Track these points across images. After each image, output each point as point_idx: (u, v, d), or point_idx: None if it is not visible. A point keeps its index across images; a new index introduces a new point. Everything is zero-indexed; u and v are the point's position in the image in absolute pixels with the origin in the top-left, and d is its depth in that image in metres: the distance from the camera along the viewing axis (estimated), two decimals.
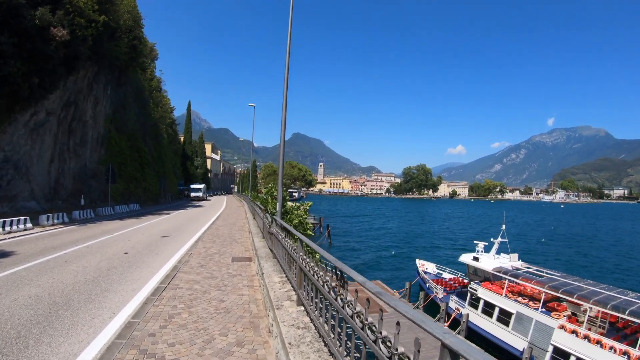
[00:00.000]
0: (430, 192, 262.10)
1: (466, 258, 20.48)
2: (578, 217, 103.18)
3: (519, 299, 15.80)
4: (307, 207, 16.97)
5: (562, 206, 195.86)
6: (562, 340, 12.77)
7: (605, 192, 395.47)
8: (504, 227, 21.28)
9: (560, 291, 13.93)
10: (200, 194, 62.85)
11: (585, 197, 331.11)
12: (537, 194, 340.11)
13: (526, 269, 17.74)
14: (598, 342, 11.87)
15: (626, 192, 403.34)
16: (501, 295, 16.23)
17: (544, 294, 14.67)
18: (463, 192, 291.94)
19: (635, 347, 11.31)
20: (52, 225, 19.43)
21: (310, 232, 15.02)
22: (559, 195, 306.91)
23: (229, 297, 6.83)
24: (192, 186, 66.05)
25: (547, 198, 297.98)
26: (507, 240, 20.88)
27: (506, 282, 16.70)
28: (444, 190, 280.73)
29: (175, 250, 12.09)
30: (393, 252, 38.89)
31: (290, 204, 16.80)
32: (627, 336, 12.96)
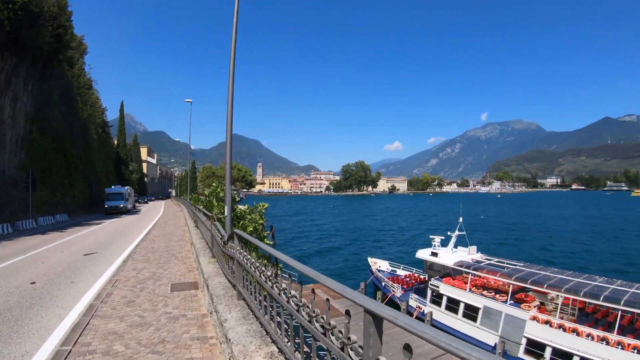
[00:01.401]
0: (370, 188, 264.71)
1: (424, 254, 19.80)
2: (521, 207, 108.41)
3: (485, 292, 15.44)
4: (263, 210, 13.59)
5: (498, 196, 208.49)
6: (536, 331, 12.49)
7: (539, 181, 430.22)
8: (461, 219, 20.98)
9: (528, 282, 13.71)
10: (121, 203, 39.62)
11: (520, 186, 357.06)
12: (474, 185, 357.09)
13: (487, 261, 17.50)
14: (574, 331, 11.66)
15: (559, 180, 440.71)
16: (465, 290, 15.80)
17: (511, 285, 14.38)
18: (402, 186, 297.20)
19: (611, 332, 11.17)
20: None
21: (268, 241, 12.38)
22: (495, 186, 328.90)
23: None
24: (109, 190, 41.58)
25: (483, 189, 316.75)
26: (464, 233, 20.65)
27: (470, 276, 16.26)
28: (383, 185, 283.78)
29: (97, 274, 9.62)
30: (339, 250, 38.08)
31: (240, 207, 13.95)
32: (599, 321, 12.99)
